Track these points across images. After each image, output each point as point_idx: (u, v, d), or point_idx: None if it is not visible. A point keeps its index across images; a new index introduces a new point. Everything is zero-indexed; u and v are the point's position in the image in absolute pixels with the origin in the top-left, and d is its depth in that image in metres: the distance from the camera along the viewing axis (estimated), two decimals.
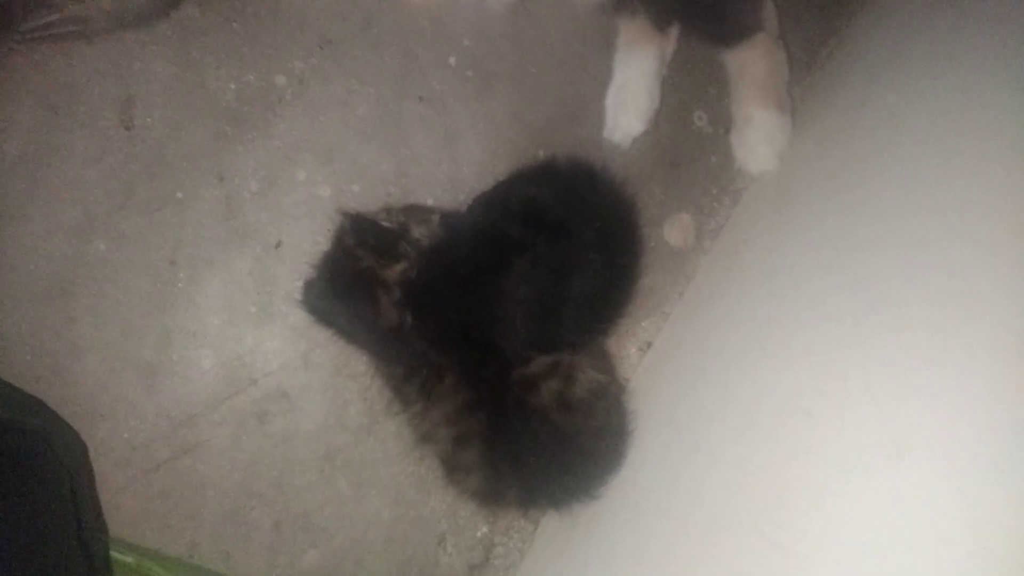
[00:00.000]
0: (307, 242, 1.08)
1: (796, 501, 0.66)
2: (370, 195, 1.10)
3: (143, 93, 1.07)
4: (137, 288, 1.05)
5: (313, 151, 1.10)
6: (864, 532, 0.58)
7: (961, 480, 0.54)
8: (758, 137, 1.08)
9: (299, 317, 1.05)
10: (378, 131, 1.11)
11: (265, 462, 1.07)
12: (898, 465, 0.58)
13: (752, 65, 1.08)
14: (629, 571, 0.82)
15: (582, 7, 1.13)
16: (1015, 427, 0.53)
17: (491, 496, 0.98)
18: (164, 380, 1.05)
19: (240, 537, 1.06)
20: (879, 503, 0.58)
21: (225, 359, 1.07)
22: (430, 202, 1.11)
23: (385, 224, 0.96)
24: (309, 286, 0.98)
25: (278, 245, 1.08)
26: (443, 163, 1.12)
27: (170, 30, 1.08)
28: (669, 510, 0.84)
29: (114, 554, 0.94)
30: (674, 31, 1.10)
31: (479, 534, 1.10)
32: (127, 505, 1.03)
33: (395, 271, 0.92)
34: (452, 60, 1.13)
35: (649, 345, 1.14)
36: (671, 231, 1.15)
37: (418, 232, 0.95)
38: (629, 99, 1.09)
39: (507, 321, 0.91)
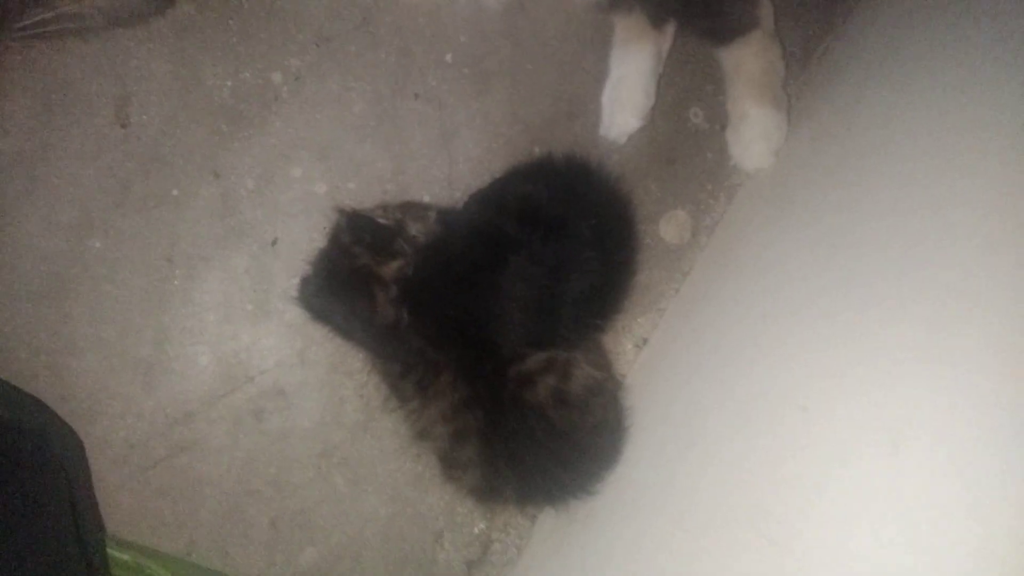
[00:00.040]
0: (303, 239, 1.08)
1: (792, 496, 0.66)
2: (366, 192, 1.10)
3: (139, 91, 1.07)
4: (134, 286, 1.05)
5: (309, 148, 1.10)
6: (860, 527, 0.58)
7: (957, 474, 0.54)
8: (754, 134, 1.08)
9: (295, 314, 1.05)
10: (374, 128, 1.11)
11: (262, 459, 1.07)
12: (894, 460, 0.58)
13: (748, 62, 1.08)
14: (626, 567, 0.83)
15: (579, 4, 1.13)
16: (1011, 421, 0.53)
17: (488, 492, 0.98)
18: (161, 378, 1.05)
19: (237, 534, 1.06)
20: (875, 498, 0.58)
21: (222, 356, 1.07)
22: (426, 199, 1.11)
23: (381, 221, 0.96)
24: (305, 283, 0.98)
25: (274, 242, 1.08)
26: (439, 160, 1.12)
27: (166, 27, 1.08)
28: (665, 506, 0.84)
29: (111, 552, 0.94)
30: (670, 28, 1.10)
31: (476, 530, 1.11)
32: (124, 503, 1.03)
33: (391, 268, 0.92)
34: (448, 57, 1.13)
35: (645, 341, 1.14)
36: (667, 227, 1.15)
37: (414, 229, 0.95)
38: (625, 96, 1.09)
39: (503, 318, 0.91)
